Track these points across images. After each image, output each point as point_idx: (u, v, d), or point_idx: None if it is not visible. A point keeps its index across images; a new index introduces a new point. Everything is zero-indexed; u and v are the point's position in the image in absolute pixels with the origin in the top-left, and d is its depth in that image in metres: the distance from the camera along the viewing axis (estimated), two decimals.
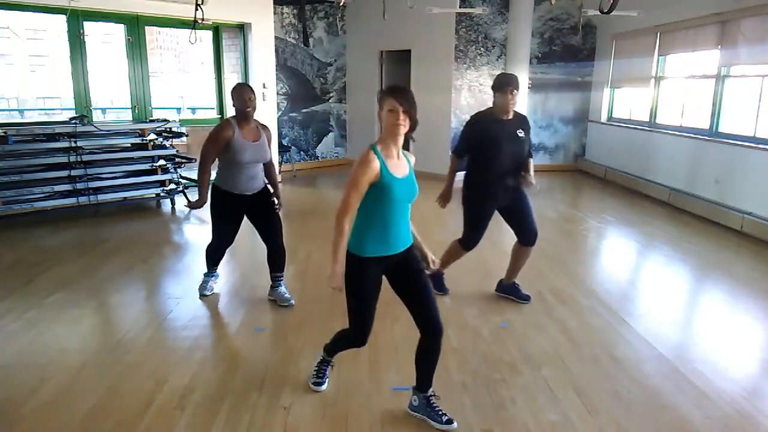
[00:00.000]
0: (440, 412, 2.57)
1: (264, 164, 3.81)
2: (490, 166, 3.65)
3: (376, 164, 2.32)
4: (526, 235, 3.85)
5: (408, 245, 2.50)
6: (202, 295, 4.09)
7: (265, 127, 3.81)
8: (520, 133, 3.66)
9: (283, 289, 3.98)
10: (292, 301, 3.92)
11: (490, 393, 2.84)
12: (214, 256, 4.05)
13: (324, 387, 2.84)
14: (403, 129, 2.33)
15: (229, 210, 3.78)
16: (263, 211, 3.83)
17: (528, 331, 3.57)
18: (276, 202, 3.87)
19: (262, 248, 3.96)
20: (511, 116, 3.66)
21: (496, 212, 3.83)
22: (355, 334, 2.59)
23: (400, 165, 2.41)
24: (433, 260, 2.61)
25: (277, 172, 3.97)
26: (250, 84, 3.94)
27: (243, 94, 3.58)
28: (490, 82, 3.76)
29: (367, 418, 2.62)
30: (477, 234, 3.82)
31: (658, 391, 2.89)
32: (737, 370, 3.19)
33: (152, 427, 2.55)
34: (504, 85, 3.58)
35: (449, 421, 2.54)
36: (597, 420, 2.63)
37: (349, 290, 2.47)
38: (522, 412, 2.69)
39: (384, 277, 2.53)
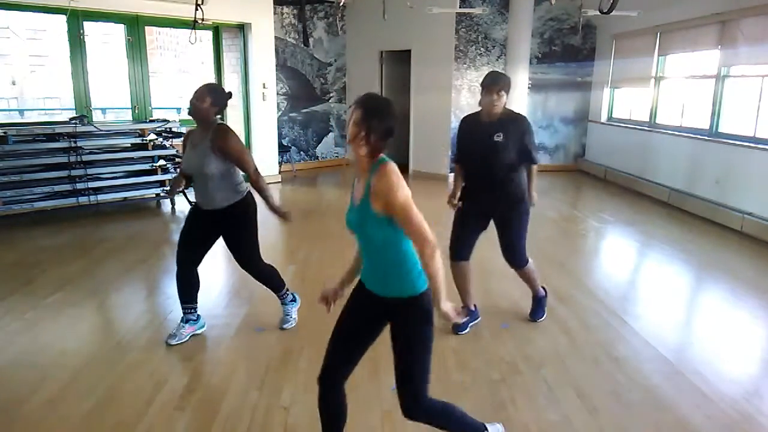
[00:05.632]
0: None
1: (248, 176, 3.23)
2: (466, 168, 3.50)
3: None
4: (502, 250, 3.55)
5: (380, 293, 1.98)
6: (167, 343, 3.34)
7: (222, 130, 3.09)
8: (497, 137, 3.26)
9: (286, 308, 3.60)
10: (284, 326, 3.55)
11: (490, 393, 2.85)
12: (178, 281, 3.42)
13: None
14: (363, 149, 1.86)
15: (191, 218, 3.39)
16: (225, 231, 3.30)
17: (528, 331, 3.57)
18: (281, 213, 3.28)
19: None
20: (494, 118, 3.30)
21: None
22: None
23: (358, 188, 1.96)
24: (455, 310, 1.91)
25: (263, 182, 3.22)
26: (224, 85, 3.57)
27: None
28: None
29: (367, 418, 2.62)
30: (457, 238, 3.53)
31: (658, 391, 2.89)
32: (737, 370, 3.19)
33: (152, 427, 2.55)
34: (492, 84, 3.23)
35: None
36: (597, 420, 2.63)
37: None
38: (522, 412, 2.69)
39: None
